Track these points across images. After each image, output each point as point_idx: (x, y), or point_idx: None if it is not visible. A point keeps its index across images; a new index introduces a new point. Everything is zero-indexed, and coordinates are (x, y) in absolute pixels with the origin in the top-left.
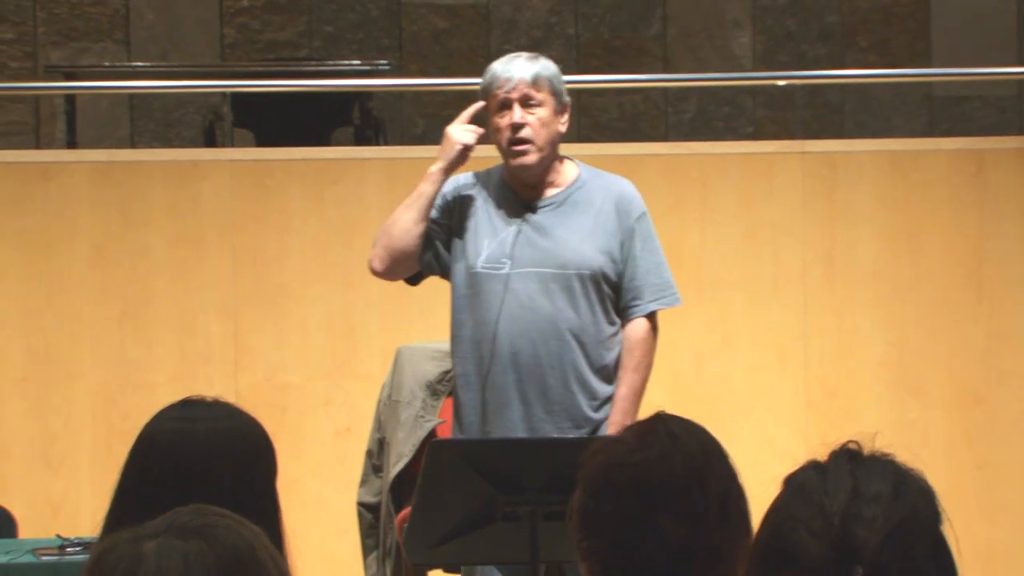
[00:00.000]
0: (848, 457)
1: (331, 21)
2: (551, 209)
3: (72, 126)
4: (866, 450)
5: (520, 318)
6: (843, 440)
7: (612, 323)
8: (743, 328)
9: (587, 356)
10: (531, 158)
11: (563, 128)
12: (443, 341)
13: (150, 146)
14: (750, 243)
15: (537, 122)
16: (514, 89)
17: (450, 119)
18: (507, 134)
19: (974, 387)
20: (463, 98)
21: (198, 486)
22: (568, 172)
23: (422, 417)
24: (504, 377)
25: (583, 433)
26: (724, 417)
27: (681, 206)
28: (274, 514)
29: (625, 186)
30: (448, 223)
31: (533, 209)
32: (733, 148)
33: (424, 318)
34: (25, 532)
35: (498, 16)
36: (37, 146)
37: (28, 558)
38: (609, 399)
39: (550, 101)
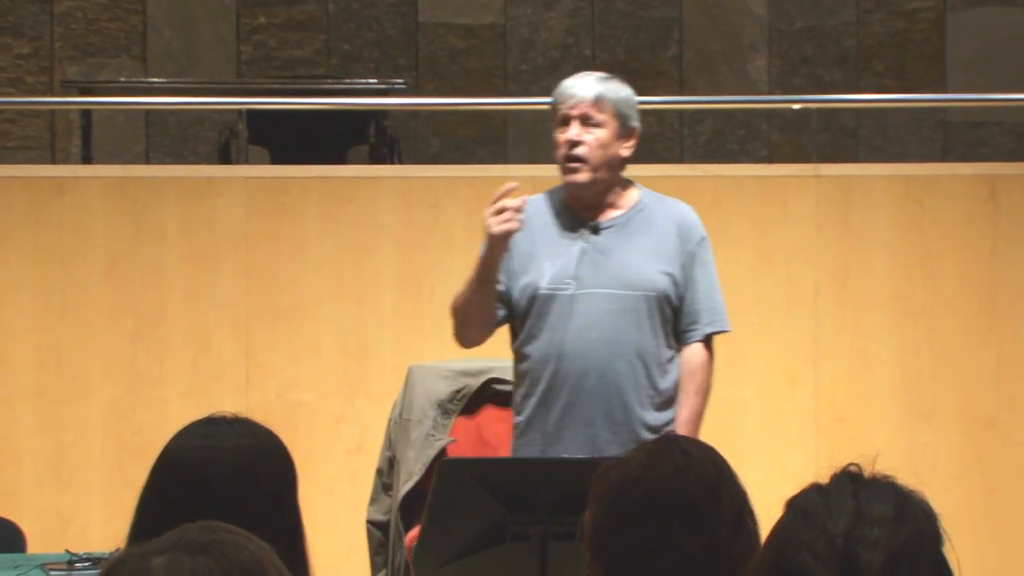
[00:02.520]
0: (850, 480)
1: (348, 39)
2: (614, 230)
3: (87, 141)
4: (867, 473)
5: (586, 339)
6: (844, 463)
7: (670, 347)
8: (755, 351)
9: (650, 378)
10: (582, 176)
11: (626, 152)
12: (455, 360)
13: (165, 162)
14: (763, 266)
15: (594, 142)
16: (575, 107)
17: (466, 139)
18: (563, 150)
19: (986, 412)
20: (479, 117)
21: (224, 503)
22: (631, 195)
23: (432, 436)
24: (570, 398)
25: None
26: (734, 440)
27: None
28: (298, 529)
29: (686, 211)
30: (507, 260)
31: (595, 230)
32: (748, 171)
33: (437, 337)
34: (34, 547)
35: (515, 37)
36: (52, 161)
37: (36, 573)
38: (665, 424)
39: (612, 123)
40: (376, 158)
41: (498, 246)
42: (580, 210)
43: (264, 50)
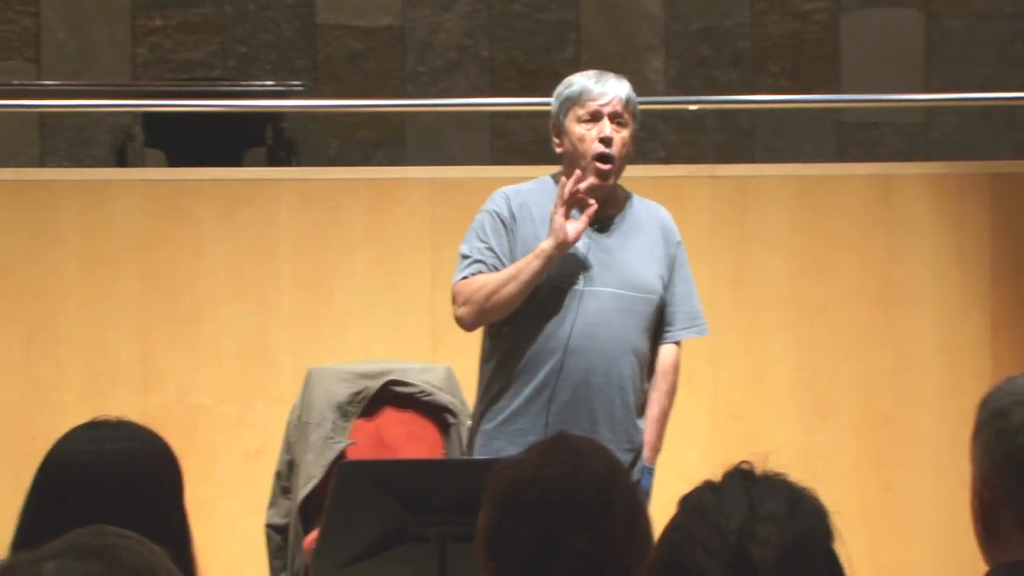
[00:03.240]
0: (742, 477)
1: (245, 41)
2: (615, 229)
3: None
4: (760, 470)
5: (594, 336)
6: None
7: (654, 351)
8: None
9: (643, 379)
10: (612, 180)
11: (631, 153)
12: (354, 363)
13: (61, 165)
14: None
15: (620, 141)
16: (609, 103)
17: (364, 141)
18: (593, 146)
19: (881, 410)
20: (378, 119)
21: (109, 507)
22: (622, 194)
23: (331, 439)
24: (573, 394)
25: (632, 456)
26: None
27: None
28: (184, 533)
29: (665, 212)
30: (511, 247)
31: (598, 228)
32: (644, 172)
33: (336, 340)
34: None
35: (413, 38)
36: None
37: None
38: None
39: (631, 123)
40: (274, 160)
41: (567, 247)
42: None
43: (160, 52)
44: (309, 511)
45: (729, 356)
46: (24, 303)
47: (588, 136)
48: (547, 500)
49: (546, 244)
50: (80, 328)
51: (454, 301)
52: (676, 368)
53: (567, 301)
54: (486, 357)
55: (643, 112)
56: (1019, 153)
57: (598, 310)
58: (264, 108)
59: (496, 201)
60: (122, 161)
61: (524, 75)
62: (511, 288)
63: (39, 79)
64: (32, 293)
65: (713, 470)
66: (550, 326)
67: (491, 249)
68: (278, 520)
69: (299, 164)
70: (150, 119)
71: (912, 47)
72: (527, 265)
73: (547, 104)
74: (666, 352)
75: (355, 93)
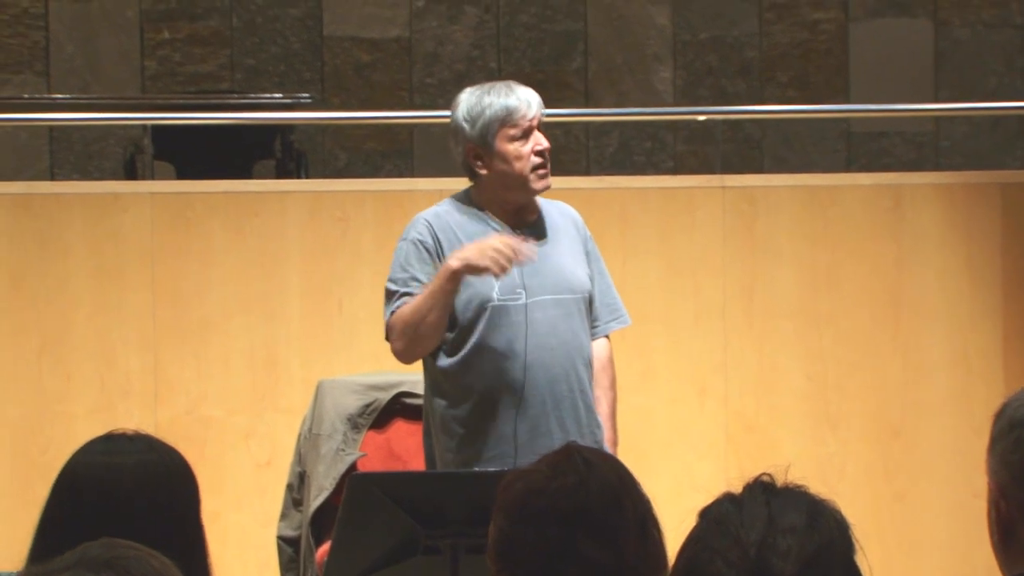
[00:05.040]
0: (762, 489)
1: (253, 54)
2: (539, 235)
3: None
4: (780, 482)
5: (548, 346)
6: (757, 472)
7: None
8: (663, 362)
9: (591, 378)
10: (550, 183)
11: None
12: (364, 374)
13: (70, 178)
14: (671, 277)
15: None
16: (535, 117)
17: (372, 152)
18: (532, 160)
19: (892, 420)
20: (385, 131)
21: (125, 520)
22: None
23: (343, 450)
24: (542, 407)
25: None
26: (644, 450)
27: (602, 240)
28: (201, 545)
29: (573, 210)
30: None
31: (525, 236)
32: (654, 182)
33: (346, 352)
34: None
35: (420, 50)
36: None
37: None
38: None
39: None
40: (283, 172)
41: (482, 274)
42: (504, 217)
43: (168, 65)
44: (321, 523)
45: (741, 366)
46: (34, 315)
47: (524, 152)
48: (558, 510)
49: (453, 262)
50: (90, 340)
51: (388, 338)
52: (612, 361)
53: (516, 317)
54: (436, 390)
55: (652, 123)
56: None
57: (545, 319)
58: (272, 120)
59: (417, 228)
60: (131, 174)
61: (532, 86)
62: (429, 316)
63: (49, 93)
64: (42, 305)
65: (727, 481)
66: (503, 345)
67: (415, 279)
68: (290, 532)
69: (308, 176)
70: (159, 132)
71: (921, 57)
72: (440, 289)
73: (557, 115)
74: (599, 347)
75: (363, 105)
